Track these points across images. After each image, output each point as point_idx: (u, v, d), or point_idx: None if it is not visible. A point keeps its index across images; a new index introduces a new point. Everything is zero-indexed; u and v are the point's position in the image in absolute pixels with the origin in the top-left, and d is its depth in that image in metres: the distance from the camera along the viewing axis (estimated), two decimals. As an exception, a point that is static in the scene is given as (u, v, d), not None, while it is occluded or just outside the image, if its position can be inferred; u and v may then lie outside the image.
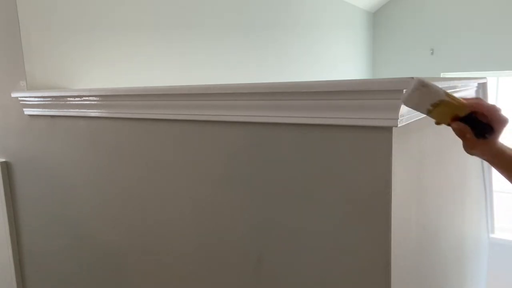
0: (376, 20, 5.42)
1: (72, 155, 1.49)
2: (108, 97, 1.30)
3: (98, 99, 1.32)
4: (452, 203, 1.48)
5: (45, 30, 1.61)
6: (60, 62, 1.67)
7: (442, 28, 5.03)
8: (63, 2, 1.67)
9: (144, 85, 1.25)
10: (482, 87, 1.70)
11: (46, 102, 1.50)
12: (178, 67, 2.36)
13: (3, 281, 1.82)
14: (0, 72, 1.66)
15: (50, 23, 1.63)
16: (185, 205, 1.17)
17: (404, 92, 0.78)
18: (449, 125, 0.78)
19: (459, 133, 0.78)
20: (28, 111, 1.58)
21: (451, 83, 1.12)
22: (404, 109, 0.79)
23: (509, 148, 0.82)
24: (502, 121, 0.76)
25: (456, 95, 0.76)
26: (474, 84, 1.56)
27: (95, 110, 1.34)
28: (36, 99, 1.52)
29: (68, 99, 1.42)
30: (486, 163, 2.15)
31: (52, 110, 1.49)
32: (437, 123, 0.79)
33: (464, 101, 0.76)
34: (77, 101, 1.38)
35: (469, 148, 0.81)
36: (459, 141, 0.81)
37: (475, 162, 1.94)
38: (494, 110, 0.75)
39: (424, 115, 0.77)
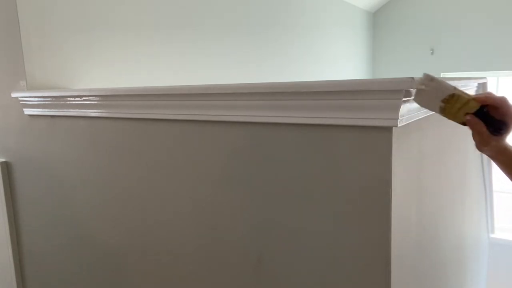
0: (376, 20, 5.42)
1: (72, 155, 1.49)
2: (108, 97, 1.30)
3: (98, 99, 1.32)
4: (452, 203, 1.48)
5: (45, 30, 1.61)
6: (60, 62, 1.67)
7: (442, 28, 5.03)
8: (63, 2, 1.67)
9: (144, 85, 1.25)
10: (482, 87, 1.70)
11: (46, 102, 1.50)
12: (178, 67, 2.36)
13: (3, 281, 1.82)
14: (0, 72, 1.66)
15: (50, 23, 1.63)
16: (185, 205, 1.17)
17: (415, 91, 0.78)
18: (463, 123, 0.78)
19: (475, 129, 0.77)
20: (28, 111, 1.58)
21: (451, 83, 1.12)
22: (404, 109, 0.79)
23: (510, 145, 0.82)
24: None
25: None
26: (474, 84, 1.56)
27: (95, 110, 1.34)
28: (36, 99, 1.52)
29: (68, 99, 1.42)
30: (486, 163, 2.15)
31: (52, 110, 1.49)
32: (451, 119, 0.78)
33: (473, 95, 0.76)
34: (77, 101, 1.38)
35: (483, 145, 0.79)
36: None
37: (475, 162, 1.94)
38: (506, 105, 0.75)
39: (423, 116, 0.77)
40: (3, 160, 1.74)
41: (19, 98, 1.58)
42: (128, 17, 2.00)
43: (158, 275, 1.29)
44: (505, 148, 0.81)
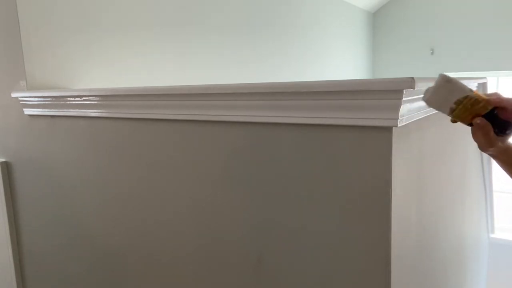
0: (376, 20, 5.42)
1: (72, 155, 1.49)
2: (108, 97, 1.30)
3: (98, 99, 1.32)
4: (452, 203, 1.48)
5: (45, 30, 1.61)
6: (60, 62, 1.67)
7: (442, 28, 5.03)
8: (63, 2, 1.67)
9: (144, 85, 1.25)
10: (482, 87, 1.70)
11: (46, 102, 1.50)
12: (178, 67, 2.36)
13: (3, 281, 1.82)
14: (0, 72, 1.66)
15: (50, 23, 1.63)
16: (185, 205, 1.17)
17: (425, 90, 0.77)
18: (469, 124, 0.77)
19: (482, 131, 0.76)
20: (28, 111, 1.59)
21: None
22: (404, 109, 0.79)
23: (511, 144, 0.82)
24: None
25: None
26: (474, 84, 1.56)
27: (95, 110, 1.34)
28: (36, 99, 1.52)
29: (68, 99, 1.42)
30: (486, 163, 2.15)
31: (52, 110, 1.49)
32: (454, 121, 0.78)
33: (486, 97, 0.75)
34: (77, 101, 1.38)
35: (488, 146, 0.78)
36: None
37: (475, 162, 1.94)
38: None
39: (423, 116, 0.76)
40: (3, 160, 1.74)
41: (19, 98, 1.58)
42: (128, 17, 2.00)
43: (158, 275, 1.29)
44: (507, 147, 0.81)
